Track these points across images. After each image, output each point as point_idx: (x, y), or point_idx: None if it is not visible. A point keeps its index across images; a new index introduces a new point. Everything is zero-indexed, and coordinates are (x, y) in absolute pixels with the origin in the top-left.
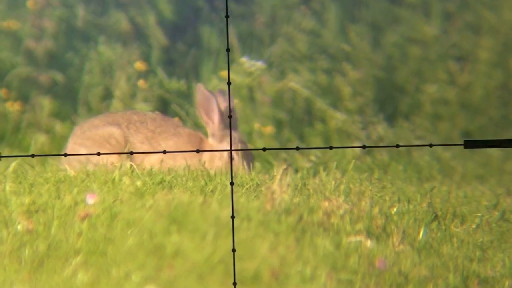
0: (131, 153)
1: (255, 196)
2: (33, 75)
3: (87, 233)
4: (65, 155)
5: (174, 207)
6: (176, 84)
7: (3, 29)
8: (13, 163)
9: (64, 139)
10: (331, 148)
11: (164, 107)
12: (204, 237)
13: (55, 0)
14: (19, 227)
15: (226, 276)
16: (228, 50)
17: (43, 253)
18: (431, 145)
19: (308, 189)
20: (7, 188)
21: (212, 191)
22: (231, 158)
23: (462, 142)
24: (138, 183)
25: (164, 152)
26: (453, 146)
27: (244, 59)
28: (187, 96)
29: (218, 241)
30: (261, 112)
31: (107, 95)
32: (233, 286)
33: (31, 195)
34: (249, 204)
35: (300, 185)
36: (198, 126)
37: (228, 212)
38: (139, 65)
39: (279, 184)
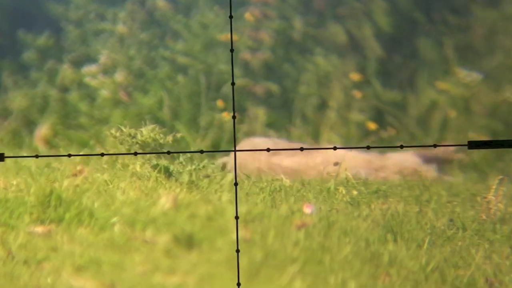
0: (135, 153)
1: (470, 206)
2: (249, 86)
3: (303, 242)
4: (69, 155)
5: (390, 216)
6: (391, 95)
7: (221, 41)
8: (230, 174)
9: None
10: (335, 148)
11: (378, 117)
12: (419, 246)
13: (272, 12)
14: (234, 236)
15: (440, 284)
16: (232, 50)
17: (259, 261)
18: (435, 146)
19: None
20: (223, 197)
21: (427, 200)
22: (235, 159)
23: None
24: (354, 192)
25: (168, 152)
26: None
27: (459, 70)
28: (402, 107)
29: (433, 250)
30: (476, 122)
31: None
32: (237, 287)
33: (247, 205)
34: (464, 214)
35: None
36: (413, 137)
37: (443, 221)
38: (354, 76)
39: (495, 194)
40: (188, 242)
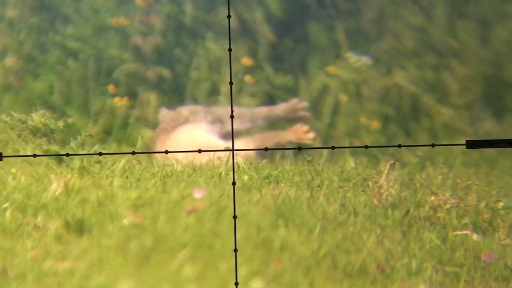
0: (133, 153)
1: (362, 191)
2: (141, 71)
3: (193, 227)
4: (67, 155)
5: (281, 202)
6: (282, 79)
7: (112, 26)
8: (123, 160)
9: None
10: (333, 148)
11: (270, 102)
12: (311, 231)
13: None
14: (125, 221)
15: (332, 269)
16: (230, 50)
17: (149, 247)
18: (433, 145)
19: (414, 184)
20: (114, 183)
21: (319, 186)
22: (233, 158)
23: None
24: (245, 177)
25: (166, 152)
26: None
27: (350, 55)
28: (293, 92)
29: (324, 235)
30: (367, 107)
31: (214, 91)
32: (234, 286)
33: (138, 190)
34: (356, 199)
35: (407, 179)
36: (304, 121)
37: (335, 206)
38: (246, 61)
39: (386, 179)
40: (79, 227)
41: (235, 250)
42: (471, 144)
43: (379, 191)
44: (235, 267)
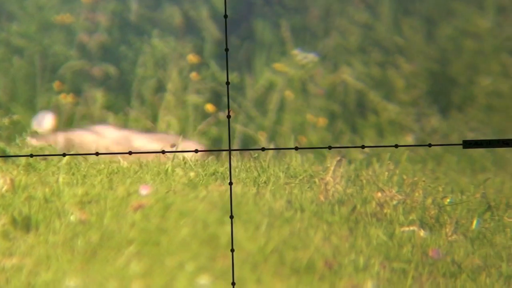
0: (130, 153)
1: (308, 187)
2: (86, 68)
3: (140, 223)
4: (64, 155)
5: (228, 198)
6: (229, 77)
7: (57, 23)
8: (67, 156)
9: None
10: (330, 148)
11: (216, 99)
12: (257, 228)
13: None
14: (72, 218)
15: (279, 265)
16: (227, 50)
17: (95, 243)
18: (430, 145)
19: (361, 180)
20: (60, 179)
21: (265, 182)
22: (230, 158)
23: None
24: (191, 174)
25: (163, 152)
26: None
27: (296, 52)
28: (239, 89)
29: (271, 232)
30: (314, 104)
31: (160, 88)
32: (231, 286)
33: (84, 186)
34: (303, 195)
35: (353, 176)
36: (250, 118)
37: (281, 203)
38: (192, 58)
39: (333, 175)
40: (26, 224)
41: (232, 250)
42: (468, 144)
43: (326, 187)
44: (232, 267)
